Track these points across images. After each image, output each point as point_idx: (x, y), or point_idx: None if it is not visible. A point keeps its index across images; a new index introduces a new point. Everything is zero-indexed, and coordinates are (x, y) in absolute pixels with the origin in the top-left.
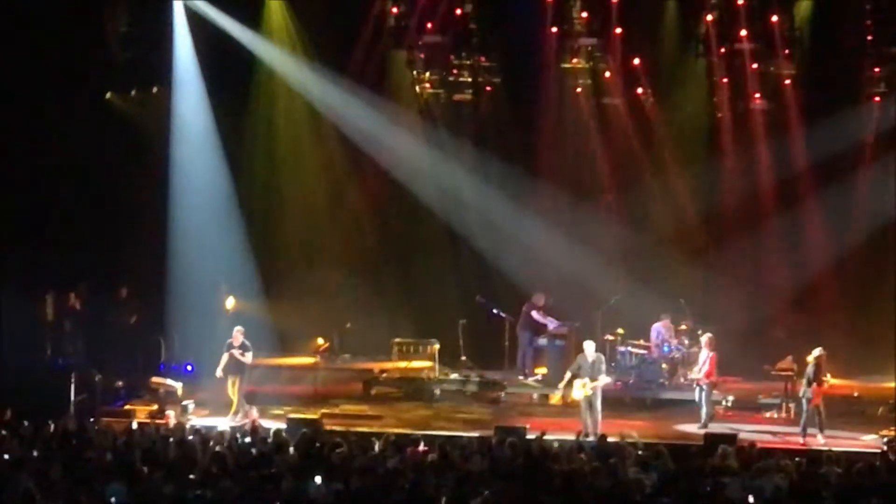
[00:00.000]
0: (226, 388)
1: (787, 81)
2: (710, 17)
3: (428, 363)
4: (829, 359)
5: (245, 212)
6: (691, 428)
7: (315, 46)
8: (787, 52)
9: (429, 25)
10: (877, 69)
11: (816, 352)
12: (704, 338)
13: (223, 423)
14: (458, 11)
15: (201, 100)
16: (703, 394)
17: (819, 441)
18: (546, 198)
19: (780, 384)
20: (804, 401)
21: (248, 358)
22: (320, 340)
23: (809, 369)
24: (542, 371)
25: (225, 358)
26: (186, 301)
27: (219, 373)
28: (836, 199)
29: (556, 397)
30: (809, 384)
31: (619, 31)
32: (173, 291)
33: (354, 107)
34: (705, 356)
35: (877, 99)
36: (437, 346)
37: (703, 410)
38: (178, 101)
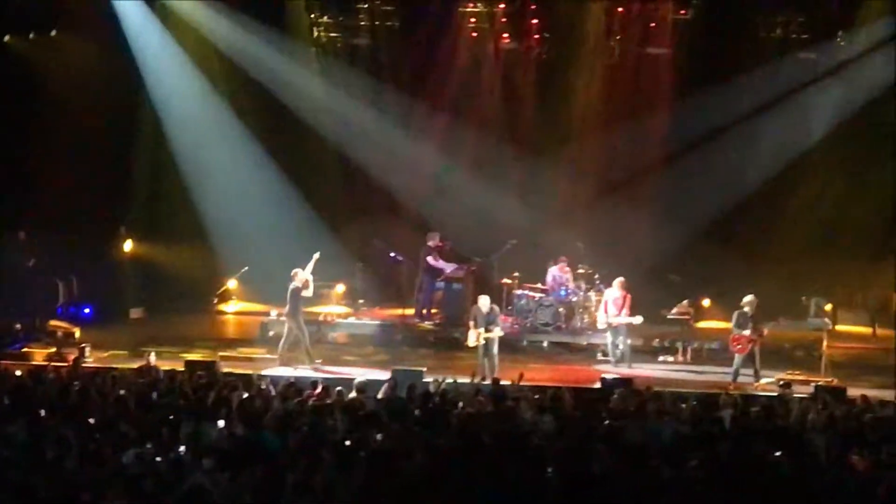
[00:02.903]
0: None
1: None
2: None
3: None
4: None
5: (143, 150)
6: (594, 369)
7: None
8: None
9: None
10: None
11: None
12: (618, 280)
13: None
14: None
15: (106, 41)
16: (622, 335)
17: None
18: (449, 138)
19: (675, 328)
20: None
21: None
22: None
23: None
24: (438, 314)
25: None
26: (87, 243)
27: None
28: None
29: (471, 339)
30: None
31: None
32: (73, 233)
33: (255, 46)
34: (616, 297)
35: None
36: (343, 289)
37: (620, 350)
38: (80, 43)
